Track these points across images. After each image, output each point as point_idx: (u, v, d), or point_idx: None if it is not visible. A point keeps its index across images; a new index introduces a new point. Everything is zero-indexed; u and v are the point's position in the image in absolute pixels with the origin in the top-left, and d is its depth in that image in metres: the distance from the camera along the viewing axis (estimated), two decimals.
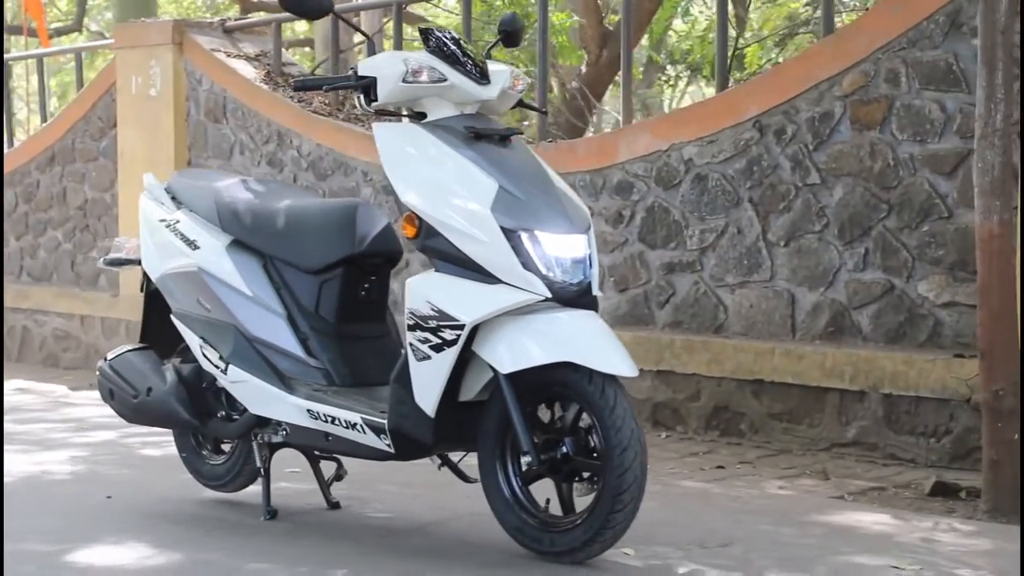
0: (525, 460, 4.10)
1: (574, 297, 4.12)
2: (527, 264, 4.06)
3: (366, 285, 4.68)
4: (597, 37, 11.73)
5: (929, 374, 5.86)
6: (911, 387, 5.91)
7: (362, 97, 4.32)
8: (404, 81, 4.23)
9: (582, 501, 4.18)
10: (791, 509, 4.99)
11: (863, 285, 6.18)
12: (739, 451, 6.26)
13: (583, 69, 12.01)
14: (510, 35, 4.62)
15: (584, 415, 4.14)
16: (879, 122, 6.11)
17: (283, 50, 9.31)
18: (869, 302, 6.17)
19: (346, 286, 4.64)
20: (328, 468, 4.98)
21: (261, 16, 11.56)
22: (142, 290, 5.23)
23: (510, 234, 4.08)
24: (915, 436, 5.93)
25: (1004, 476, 5.10)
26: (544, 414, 4.29)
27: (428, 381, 4.16)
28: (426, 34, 4.36)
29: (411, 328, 4.17)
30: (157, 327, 5.15)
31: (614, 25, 11.83)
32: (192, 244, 4.81)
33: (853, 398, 6.11)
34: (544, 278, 4.07)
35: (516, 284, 4.07)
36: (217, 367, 4.67)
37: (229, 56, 9.06)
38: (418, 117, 4.35)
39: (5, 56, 10.99)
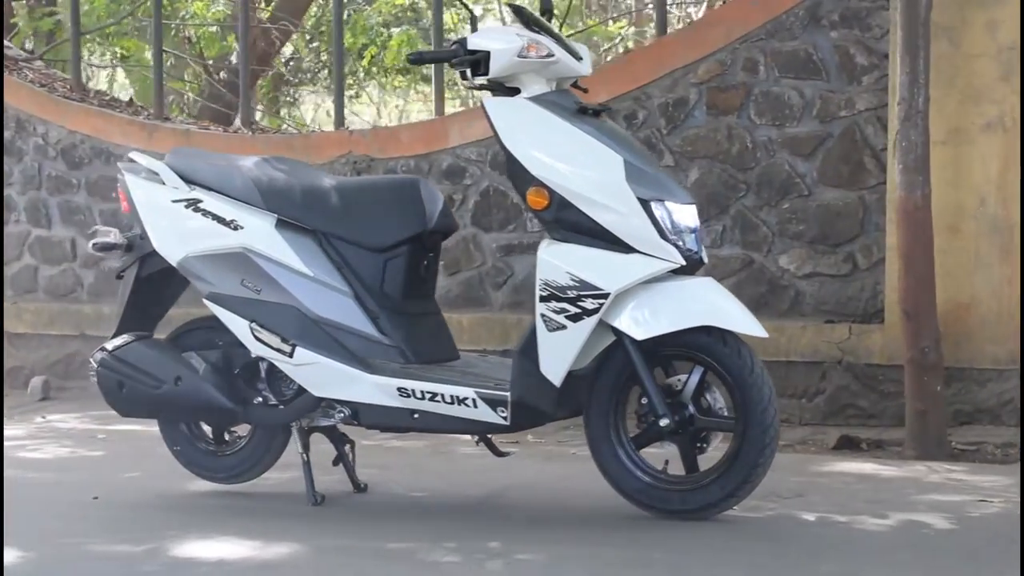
0: (663, 423, 4.23)
1: (694, 265, 4.31)
2: (663, 234, 4.21)
3: (425, 262, 4.65)
4: (253, 29, 11.60)
5: (799, 340, 6.35)
6: (782, 352, 6.37)
7: (468, 71, 4.32)
8: (519, 56, 4.27)
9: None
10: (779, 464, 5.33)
11: (721, 260, 6.60)
12: None
13: (233, 60, 11.85)
14: (550, 15, 4.71)
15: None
16: (736, 108, 6.56)
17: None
18: (727, 276, 6.59)
19: (410, 263, 4.59)
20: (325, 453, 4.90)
21: None
22: (119, 277, 4.94)
23: (645, 204, 4.21)
24: (787, 398, 6.40)
25: (930, 425, 5.65)
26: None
27: (559, 351, 4.22)
28: (519, 11, 4.41)
29: (544, 299, 4.22)
30: (140, 315, 4.90)
31: (270, 19, 11.72)
32: (231, 224, 4.60)
33: None
34: (676, 246, 4.23)
35: (652, 253, 4.21)
36: (279, 350, 4.50)
37: None
38: (507, 92, 4.38)
39: None
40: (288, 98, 15.15)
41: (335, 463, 4.89)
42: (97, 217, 7.98)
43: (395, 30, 12.02)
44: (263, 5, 12.26)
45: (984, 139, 6.00)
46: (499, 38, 4.31)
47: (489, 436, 4.70)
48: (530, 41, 4.28)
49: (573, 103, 4.35)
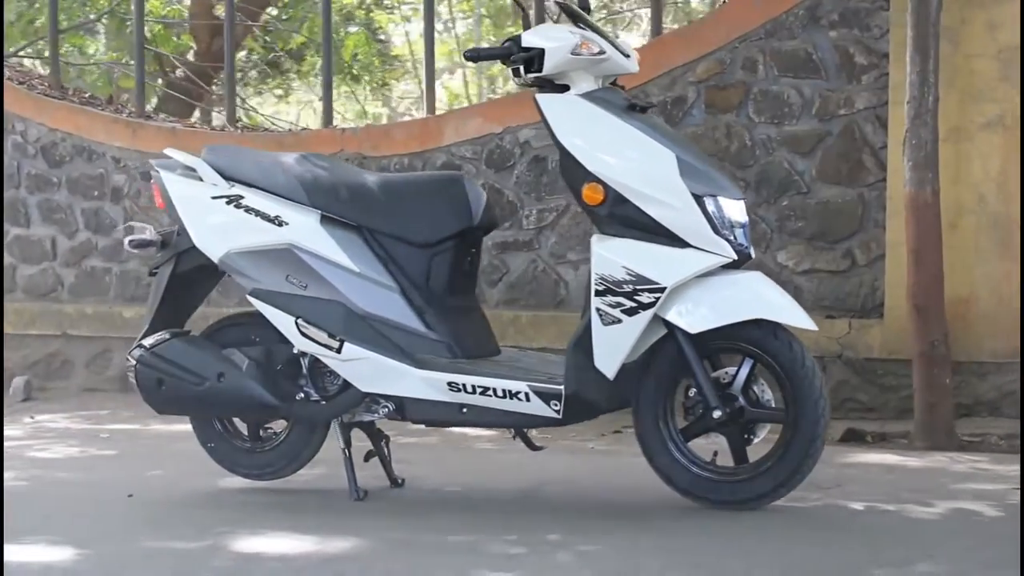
0: (716, 415, 4.29)
1: (743, 259, 4.37)
2: (716, 228, 4.27)
3: (468, 257, 4.68)
4: (207, 27, 11.57)
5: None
6: None
7: (522, 68, 4.35)
8: (572, 53, 4.31)
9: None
10: None
11: None
12: (609, 419, 6.55)
13: (191, 57, 11.79)
14: (588, 11, 4.76)
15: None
16: (735, 106, 6.64)
17: None
18: None
19: (455, 259, 4.62)
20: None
21: None
22: (152, 274, 4.92)
23: (698, 199, 4.26)
24: None
25: (938, 417, 5.77)
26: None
27: (614, 344, 4.26)
28: (566, 7, 4.45)
29: (600, 293, 4.26)
30: (172, 312, 4.88)
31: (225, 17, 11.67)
32: (275, 220, 4.59)
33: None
34: (728, 241, 4.30)
35: (706, 248, 4.26)
36: (327, 346, 4.50)
37: None
38: (556, 89, 4.41)
39: None
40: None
41: (366, 459, 4.89)
42: (79, 216, 7.92)
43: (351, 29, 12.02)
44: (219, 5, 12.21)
45: (984, 137, 6.13)
46: (553, 36, 4.34)
47: (525, 430, 4.73)
48: (583, 39, 4.33)
49: (622, 100, 4.40)
